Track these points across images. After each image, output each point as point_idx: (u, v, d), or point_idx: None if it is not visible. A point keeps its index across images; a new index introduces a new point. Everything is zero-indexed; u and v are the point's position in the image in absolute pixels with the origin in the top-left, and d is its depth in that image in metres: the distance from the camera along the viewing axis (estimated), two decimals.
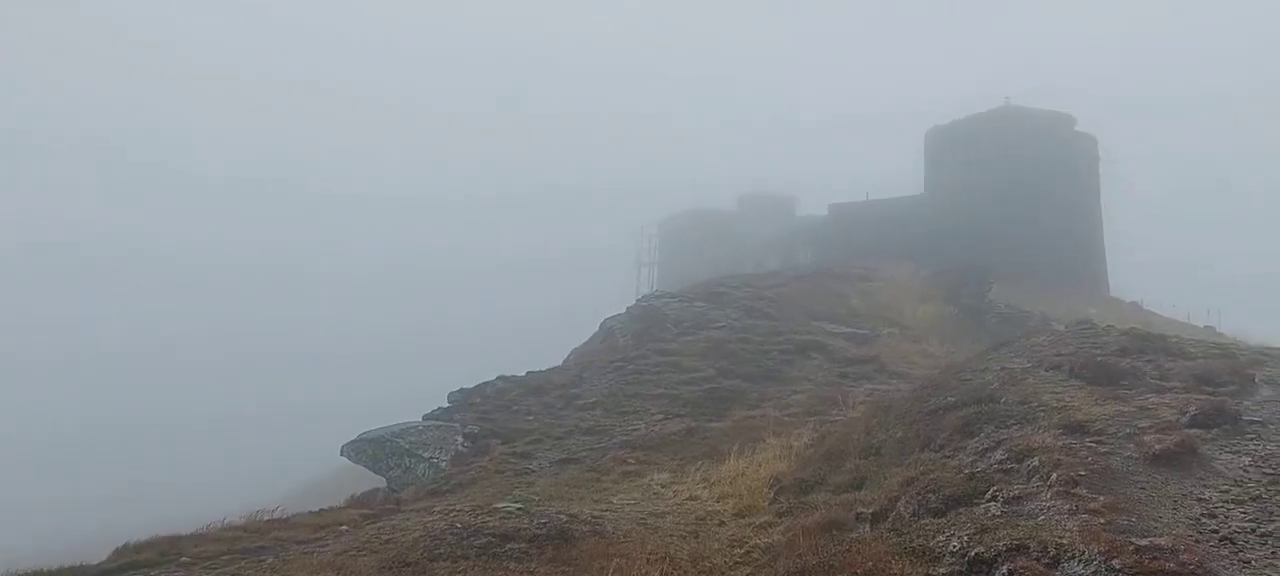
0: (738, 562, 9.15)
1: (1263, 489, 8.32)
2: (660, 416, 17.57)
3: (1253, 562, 6.82)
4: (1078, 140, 45.41)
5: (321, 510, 13.37)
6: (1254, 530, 7.42)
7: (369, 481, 18.25)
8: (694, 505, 11.64)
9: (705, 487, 12.37)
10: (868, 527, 8.84)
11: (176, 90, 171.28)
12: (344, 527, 11.52)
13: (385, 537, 10.25)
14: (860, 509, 9.36)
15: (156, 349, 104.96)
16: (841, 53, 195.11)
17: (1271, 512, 7.79)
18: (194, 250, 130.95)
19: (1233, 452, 9.35)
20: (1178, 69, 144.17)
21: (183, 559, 10.30)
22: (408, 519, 11.27)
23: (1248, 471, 8.80)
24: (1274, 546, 7.12)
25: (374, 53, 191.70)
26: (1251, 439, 9.77)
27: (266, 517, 12.84)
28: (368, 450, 17.66)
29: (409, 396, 34.31)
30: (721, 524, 10.69)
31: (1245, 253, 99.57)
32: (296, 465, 49.95)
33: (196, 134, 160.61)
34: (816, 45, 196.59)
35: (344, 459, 18.69)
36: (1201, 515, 7.78)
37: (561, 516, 10.27)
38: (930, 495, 8.85)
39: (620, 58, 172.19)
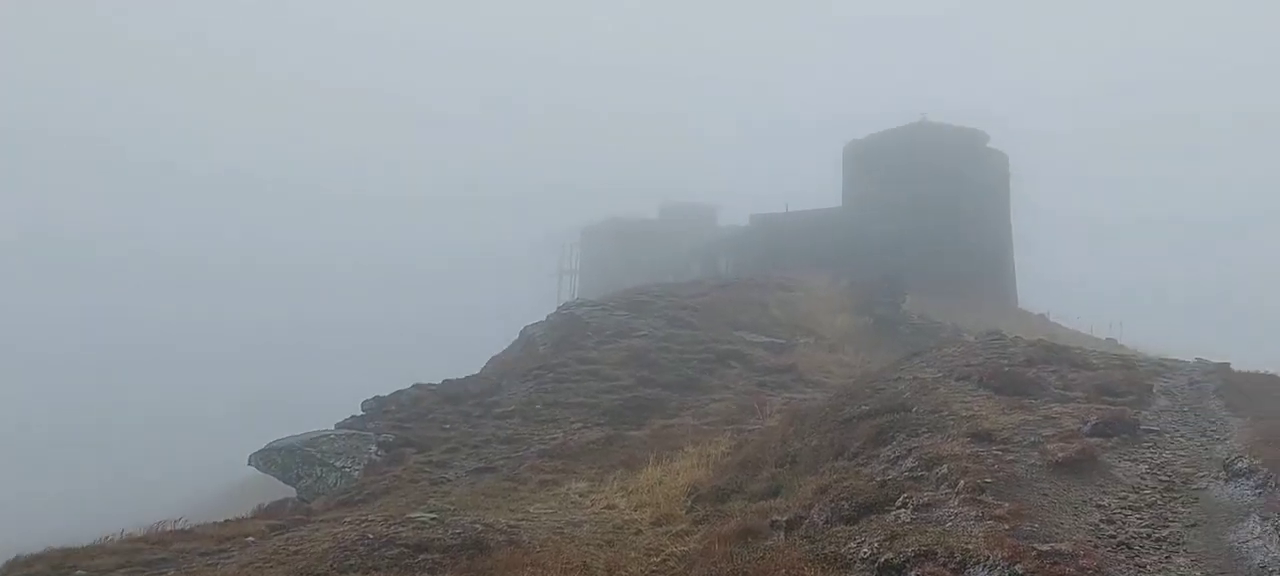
0: (653, 571, 9.14)
1: (1158, 496, 8.66)
2: (579, 425, 17.48)
3: (1147, 567, 7.09)
4: (990, 157, 46.82)
5: (227, 520, 12.94)
6: (1149, 535, 7.71)
7: (278, 492, 17.76)
8: (611, 514, 11.60)
9: (623, 496, 12.33)
10: (782, 535, 8.92)
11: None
12: (250, 538, 11.19)
13: (293, 548, 9.97)
14: (775, 516, 9.45)
15: (95, 346, 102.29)
16: (766, 64, 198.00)
17: (1166, 518, 8.10)
18: (143, 244, 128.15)
19: (1131, 460, 9.72)
20: (1087, 101, 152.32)
21: (77, 571, 9.88)
22: (317, 529, 11.00)
23: (1144, 479, 9.16)
24: (1168, 551, 7.40)
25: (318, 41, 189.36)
26: (1148, 447, 10.18)
27: (169, 528, 12.42)
28: (277, 459, 17.18)
29: (319, 404, 33.68)
30: (638, 532, 10.66)
31: (1146, 271, 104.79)
32: (203, 473, 48.41)
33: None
34: (743, 55, 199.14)
35: (252, 468, 18.17)
36: (1100, 521, 8.05)
37: (477, 526, 10.13)
38: (843, 502, 8.97)
39: (590, 57, 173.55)
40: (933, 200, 43.18)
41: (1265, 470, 8.59)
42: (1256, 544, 7.25)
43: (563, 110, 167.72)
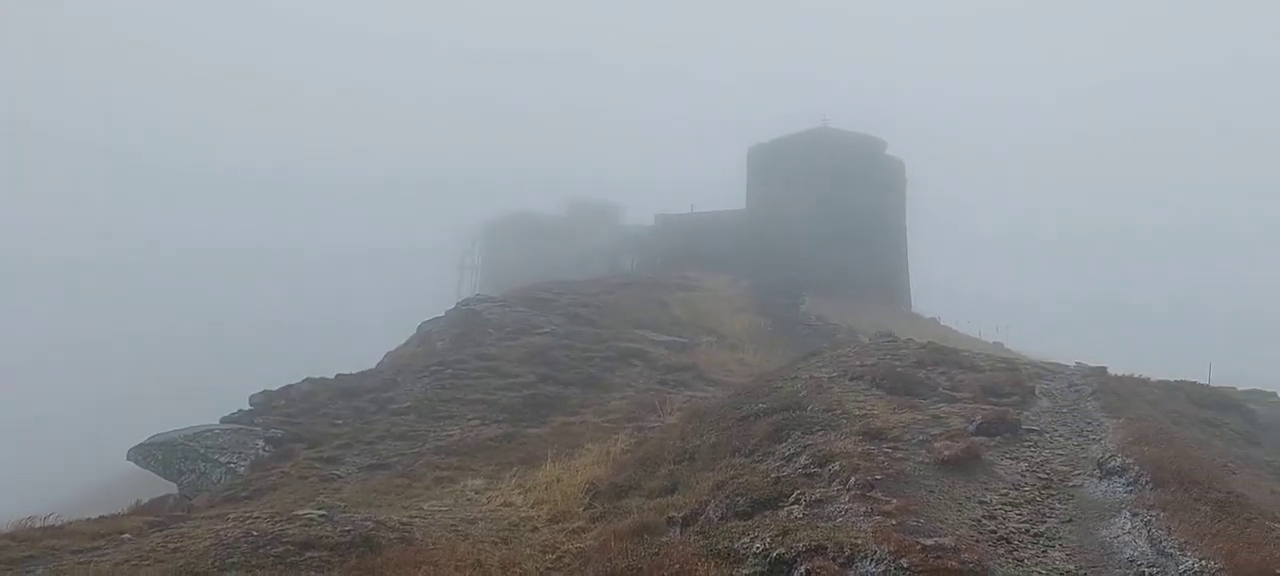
0: (549, 568, 9.06)
1: (1037, 493, 8.99)
2: (477, 421, 17.24)
3: (1025, 560, 7.34)
4: (888, 163, 48.06)
5: (102, 517, 12.35)
6: (1028, 530, 7.99)
7: (160, 488, 17.04)
8: (508, 511, 11.48)
9: (520, 493, 12.21)
10: (678, 531, 8.95)
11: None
12: (126, 536, 10.70)
13: (172, 546, 9.58)
14: (672, 513, 9.48)
15: None
16: (683, 64, 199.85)
17: (1044, 514, 8.42)
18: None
19: (1012, 458, 10.08)
20: (992, 119, 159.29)
21: None
22: (198, 526, 10.60)
23: (1024, 476, 9.50)
24: (1044, 545, 7.68)
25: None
26: (1029, 446, 10.57)
27: (38, 525, 11.77)
28: (158, 454, 16.48)
29: (205, 398, 32.64)
30: (535, 529, 10.58)
31: (1031, 279, 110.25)
32: (78, 470, 46.20)
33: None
34: (662, 53, 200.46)
35: (132, 463, 17.37)
36: (982, 516, 8.32)
37: (367, 523, 9.88)
38: (738, 498, 9.05)
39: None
40: (832, 204, 44.11)
41: (1136, 468, 9.01)
42: (1127, 539, 7.59)
43: (466, 103, 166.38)
